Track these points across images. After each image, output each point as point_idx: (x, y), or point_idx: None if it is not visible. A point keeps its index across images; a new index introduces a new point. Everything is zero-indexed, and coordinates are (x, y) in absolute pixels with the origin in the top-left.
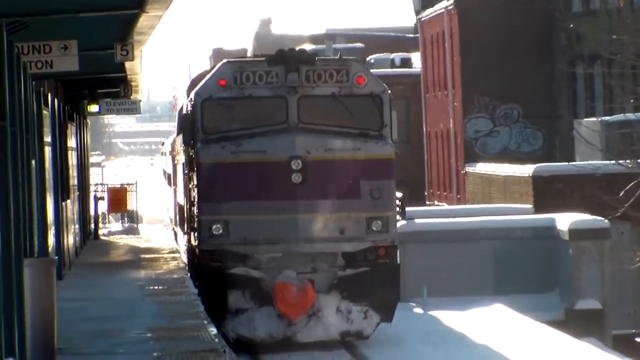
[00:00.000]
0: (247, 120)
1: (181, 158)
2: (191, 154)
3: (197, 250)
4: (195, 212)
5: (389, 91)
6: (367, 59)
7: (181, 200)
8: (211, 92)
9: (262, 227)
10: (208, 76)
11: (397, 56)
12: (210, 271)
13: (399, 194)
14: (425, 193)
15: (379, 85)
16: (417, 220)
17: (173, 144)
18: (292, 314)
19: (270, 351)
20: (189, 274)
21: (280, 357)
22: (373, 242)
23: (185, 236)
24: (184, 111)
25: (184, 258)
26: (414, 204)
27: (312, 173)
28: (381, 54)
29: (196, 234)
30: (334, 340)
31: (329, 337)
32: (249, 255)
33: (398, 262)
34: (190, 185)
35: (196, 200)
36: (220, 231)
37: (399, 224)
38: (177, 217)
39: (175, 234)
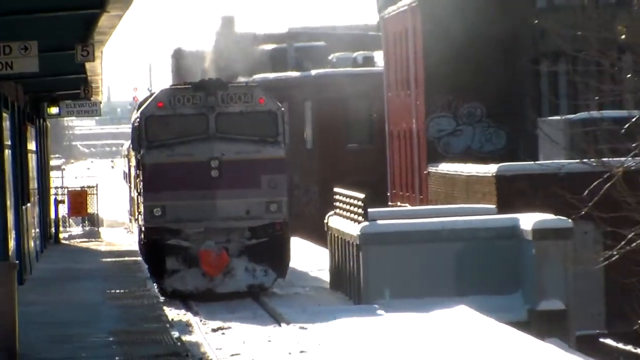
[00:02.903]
0: (178, 132)
1: (132, 161)
2: (138, 157)
3: (143, 227)
4: (141, 200)
5: (283, 108)
6: (329, 57)
7: (133, 193)
8: (152, 111)
9: (190, 210)
10: (150, 99)
11: (359, 55)
12: (153, 243)
13: (360, 195)
14: (388, 194)
15: (274, 104)
16: (379, 222)
17: (129, 148)
18: (212, 273)
19: (197, 299)
20: (138, 246)
21: (204, 304)
22: (270, 220)
23: (136, 221)
24: (134, 125)
25: (136, 235)
26: (377, 205)
27: (226, 170)
28: (343, 53)
29: (142, 216)
30: (243, 292)
31: (239, 289)
32: (180, 230)
33: (289, 235)
34: (137, 181)
35: (142, 191)
36: (160, 213)
37: (362, 226)
38: (130, 206)
39: (130, 220)
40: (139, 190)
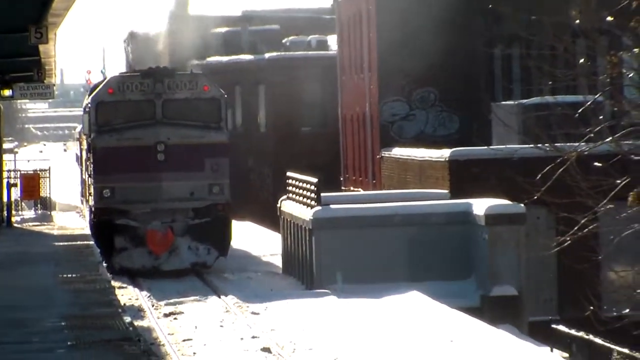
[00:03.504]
0: (127, 117)
1: (84, 144)
2: (89, 140)
3: (93, 208)
4: (91, 181)
5: (226, 95)
6: (283, 40)
7: (84, 175)
8: (102, 97)
9: (138, 191)
10: (100, 86)
11: (313, 38)
12: (102, 222)
13: (313, 179)
14: (341, 178)
15: (218, 92)
16: (332, 206)
17: (81, 132)
18: (157, 251)
19: (143, 276)
20: (89, 226)
21: (150, 280)
22: (213, 201)
23: (87, 202)
24: (85, 110)
25: (87, 217)
26: (330, 190)
27: (171, 153)
28: (297, 37)
29: (92, 197)
30: (187, 269)
31: (183, 267)
32: (128, 211)
33: (230, 216)
34: (88, 163)
35: (92, 173)
36: (109, 194)
37: (314, 210)
38: (82, 188)
39: (82, 201)
40: (89, 173)
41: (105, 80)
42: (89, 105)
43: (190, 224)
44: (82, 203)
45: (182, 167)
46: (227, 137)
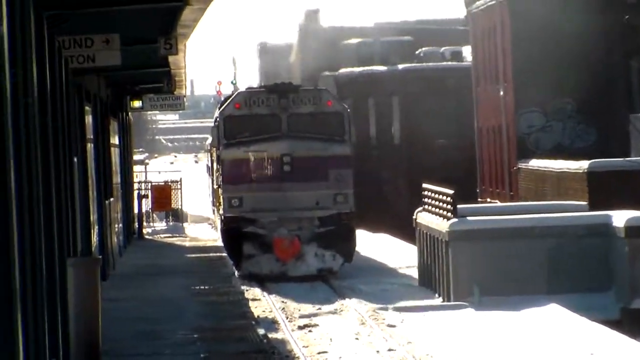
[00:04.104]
0: (254, 130)
1: (214, 155)
2: (218, 153)
3: (222, 217)
4: (220, 192)
5: (349, 109)
6: (417, 52)
7: (214, 185)
8: (230, 111)
9: (265, 201)
10: (228, 101)
11: (447, 49)
12: (231, 230)
13: (449, 191)
14: (477, 190)
15: (341, 106)
16: (468, 218)
17: (211, 143)
18: (285, 258)
19: (271, 281)
20: (220, 234)
21: (277, 285)
22: (338, 210)
23: (217, 211)
24: (214, 124)
25: (218, 226)
26: (465, 202)
27: (297, 165)
28: (431, 48)
29: (222, 206)
30: (313, 275)
31: (310, 272)
32: (256, 220)
33: (354, 224)
34: (217, 174)
35: (221, 184)
36: (237, 203)
37: (451, 222)
38: (213, 198)
39: (213, 211)
40: (219, 183)
41: (233, 96)
42: (218, 119)
43: (316, 232)
44: (213, 213)
45: (308, 177)
46: (350, 149)
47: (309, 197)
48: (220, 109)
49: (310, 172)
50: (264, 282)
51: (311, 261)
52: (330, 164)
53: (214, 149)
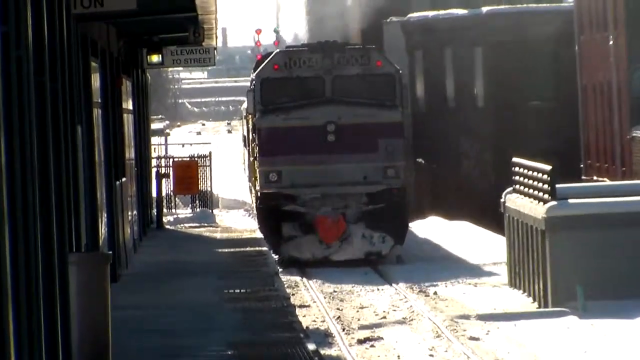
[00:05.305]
0: (294, 95)
1: (250, 123)
2: (254, 121)
3: (258, 193)
4: (257, 165)
5: (401, 71)
6: None
7: (250, 158)
8: (268, 74)
9: (306, 175)
10: (265, 62)
11: None
12: (269, 209)
13: (546, 167)
14: (581, 165)
15: (392, 67)
16: (570, 201)
17: (247, 108)
18: (328, 239)
19: (313, 266)
20: (255, 213)
21: (320, 270)
22: (388, 185)
23: (252, 188)
24: (250, 88)
25: (252, 203)
26: (567, 180)
27: (343, 134)
28: None
29: (258, 182)
30: (359, 259)
31: (356, 256)
32: (296, 196)
33: (407, 199)
34: (253, 145)
35: (257, 156)
36: (275, 178)
37: (548, 206)
38: (249, 173)
39: (250, 188)
40: (254, 155)
41: (271, 56)
42: (254, 82)
43: (364, 210)
44: (250, 191)
45: (354, 148)
46: (401, 116)
47: (356, 170)
48: (257, 71)
49: (357, 142)
50: (304, 268)
51: (358, 243)
52: (379, 133)
53: (250, 116)
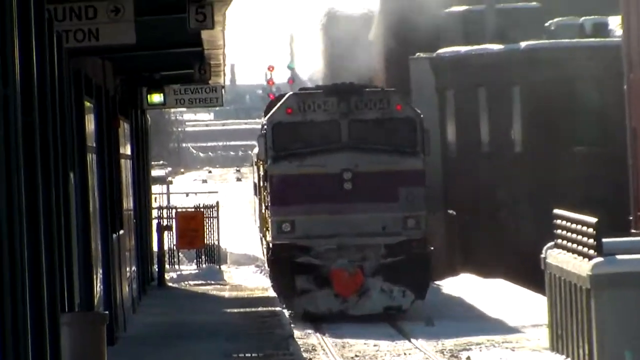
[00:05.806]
0: (308, 140)
1: (261, 170)
2: (265, 167)
3: (270, 244)
4: (268, 215)
5: (422, 115)
6: (546, 24)
7: (261, 206)
8: (280, 118)
9: (321, 225)
10: (277, 105)
11: (587, 20)
12: (281, 260)
13: (591, 219)
14: (630, 217)
15: (413, 111)
16: (618, 257)
17: (258, 154)
18: (345, 294)
19: (330, 321)
20: (267, 265)
21: (336, 326)
22: (408, 236)
23: (264, 238)
24: (261, 133)
25: (264, 256)
26: (615, 233)
27: (360, 182)
28: (565, 18)
29: (269, 232)
30: (378, 314)
31: (375, 311)
32: (311, 247)
33: (429, 251)
34: (265, 193)
35: (269, 205)
36: (289, 229)
37: (593, 263)
38: (259, 224)
39: (261, 239)
40: (266, 204)
41: (283, 98)
42: (265, 126)
43: (382, 262)
44: (261, 242)
45: (373, 197)
46: (423, 163)
47: (374, 220)
48: (268, 115)
49: (376, 190)
50: (320, 323)
51: (377, 297)
52: (399, 181)
53: (261, 162)
